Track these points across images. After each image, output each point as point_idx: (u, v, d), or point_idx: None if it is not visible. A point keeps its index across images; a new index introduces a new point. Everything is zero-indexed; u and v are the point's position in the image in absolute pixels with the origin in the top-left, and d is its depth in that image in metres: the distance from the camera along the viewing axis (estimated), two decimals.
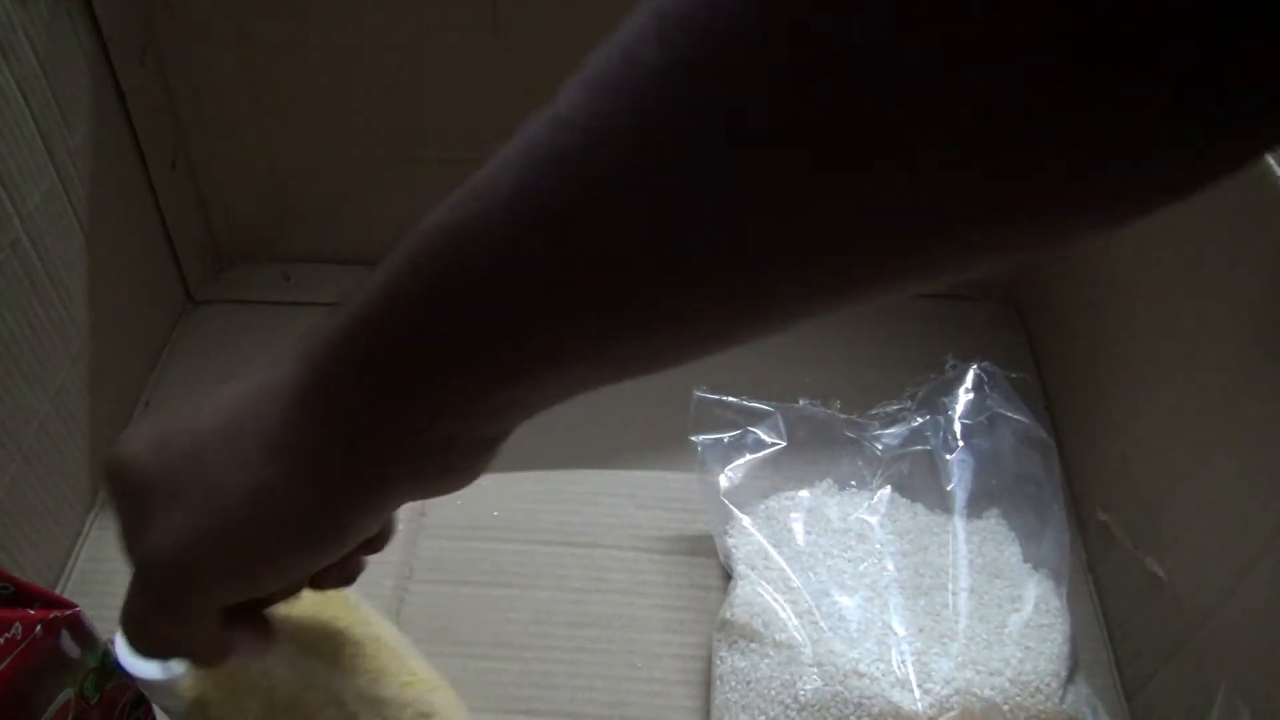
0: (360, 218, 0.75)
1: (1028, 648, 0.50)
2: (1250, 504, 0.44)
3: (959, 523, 0.56)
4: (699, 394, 0.60)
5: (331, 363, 0.27)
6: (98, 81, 0.59)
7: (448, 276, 0.24)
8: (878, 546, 0.54)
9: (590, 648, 0.55)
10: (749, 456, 0.59)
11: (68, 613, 0.44)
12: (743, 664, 0.51)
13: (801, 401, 0.61)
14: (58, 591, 0.56)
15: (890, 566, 0.53)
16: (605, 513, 0.61)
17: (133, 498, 0.29)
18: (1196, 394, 0.49)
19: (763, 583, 0.53)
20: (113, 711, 0.48)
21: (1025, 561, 0.55)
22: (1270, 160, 0.43)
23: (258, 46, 0.65)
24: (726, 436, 0.60)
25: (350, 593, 0.46)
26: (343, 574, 0.34)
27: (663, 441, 0.64)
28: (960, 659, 0.49)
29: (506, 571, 0.58)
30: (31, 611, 0.42)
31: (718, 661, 0.52)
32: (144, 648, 0.32)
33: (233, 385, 0.30)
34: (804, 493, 0.58)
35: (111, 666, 0.47)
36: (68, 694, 0.44)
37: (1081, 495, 0.61)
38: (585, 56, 0.21)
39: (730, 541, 0.56)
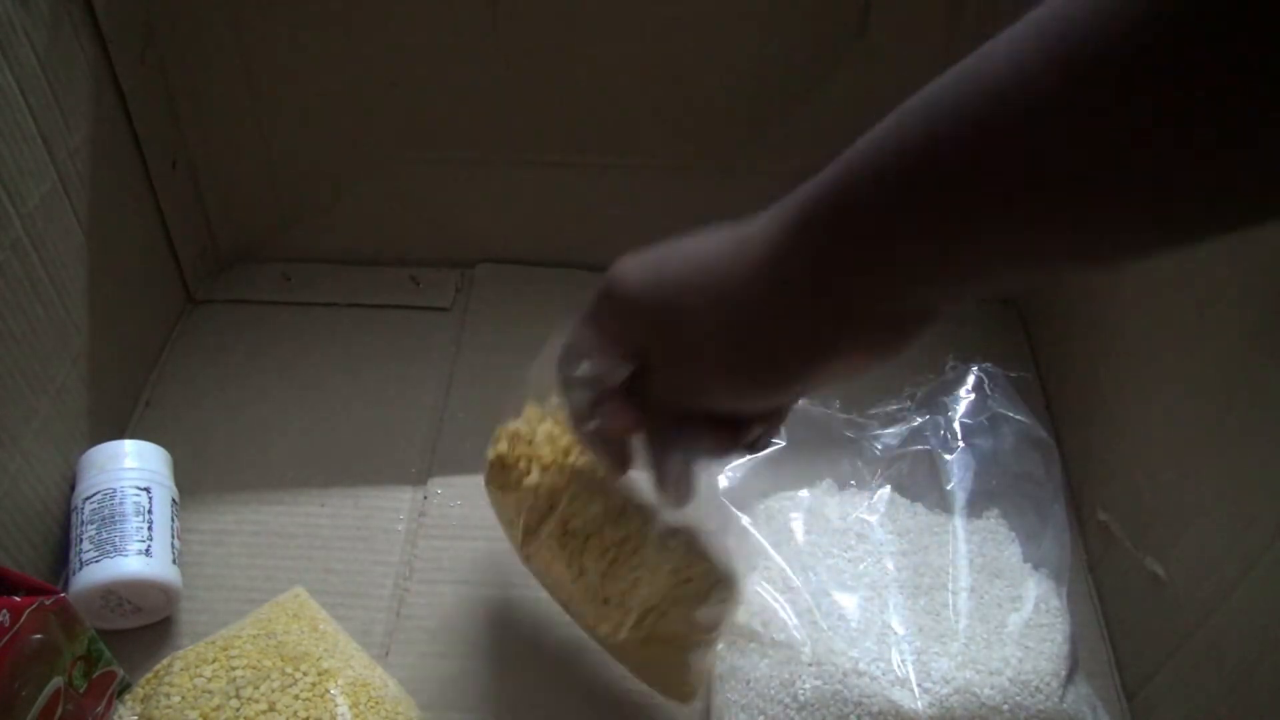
0: (360, 218, 0.75)
1: (1027, 647, 0.50)
2: (1250, 504, 0.44)
3: (959, 522, 0.56)
4: None
5: (819, 215, 0.31)
6: (98, 81, 0.59)
7: (921, 166, 0.28)
8: (877, 546, 0.54)
9: (590, 647, 0.55)
10: (748, 456, 0.59)
11: (52, 599, 0.43)
12: (742, 663, 0.51)
13: (801, 401, 0.61)
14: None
15: (890, 566, 0.53)
16: None
17: (623, 307, 0.36)
18: (1196, 393, 0.49)
19: (762, 582, 0.53)
20: (101, 699, 0.48)
21: (1025, 561, 0.55)
22: None
23: (258, 46, 0.65)
24: None
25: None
26: (742, 438, 0.39)
27: None
28: (960, 659, 0.49)
29: (506, 571, 0.58)
30: (17, 599, 0.42)
31: (717, 661, 0.52)
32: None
33: (714, 230, 0.35)
34: (803, 492, 0.58)
35: (98, 653, 0.47)
36: (57, 683, 0.44)
37: (1081, 495, 0.61)
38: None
39: (730, 541, 0.56)
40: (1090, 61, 0.24)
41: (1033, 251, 0.28)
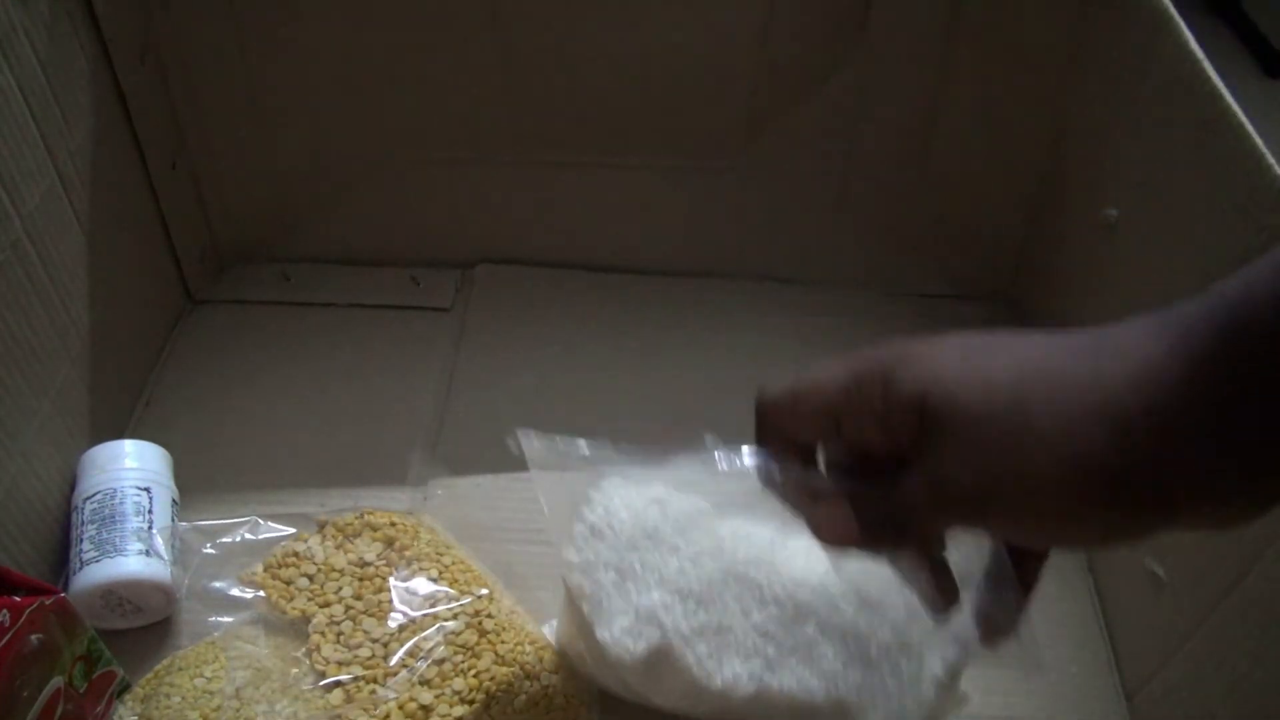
0: (360, 218, 0.75)
1: None
2: None
3: None
4: None
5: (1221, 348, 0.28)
6: (98, 81, 0.59)
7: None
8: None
9: None
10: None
11: (52, 599, 0.43)
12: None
13: None
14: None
15: None
16: None
17: (950, 418, 0.31)
18: None
19: None
20: (100, 699, 0.48)
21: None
22: (1269, 159, 0.43)
23: (258, 46, 0.65)
24: None
25: None
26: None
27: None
28: None
29: (507, 572, 0.58)
30: (17, 599, 0.42)
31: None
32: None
33: (1022, 334, 0.32)
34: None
35: (98, 653, 0.47)
36: (57, 683, 0.44)
37: None
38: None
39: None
40: None
41: None
